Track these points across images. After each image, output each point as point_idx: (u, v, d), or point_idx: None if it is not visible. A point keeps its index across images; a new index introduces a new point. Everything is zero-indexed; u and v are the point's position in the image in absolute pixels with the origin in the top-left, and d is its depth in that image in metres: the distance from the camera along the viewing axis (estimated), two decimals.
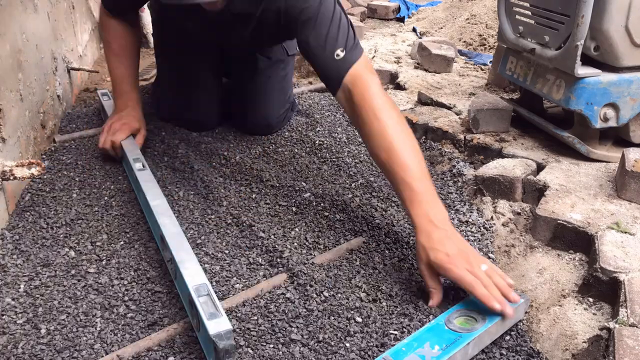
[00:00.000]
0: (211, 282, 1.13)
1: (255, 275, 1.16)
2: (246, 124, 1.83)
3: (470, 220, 1.37)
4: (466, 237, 1.29)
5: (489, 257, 1.23)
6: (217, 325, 0.88)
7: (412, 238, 1.28)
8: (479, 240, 1.29)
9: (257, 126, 1.82)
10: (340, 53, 1.31)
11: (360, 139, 1.83)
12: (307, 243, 1.27)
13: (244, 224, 1.32)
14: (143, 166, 1.42)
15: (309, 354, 0.96)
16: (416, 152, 1.18)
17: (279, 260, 1.19)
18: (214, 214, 1.37)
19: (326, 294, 1.10)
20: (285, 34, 1.58)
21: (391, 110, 1.23)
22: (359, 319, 1.04)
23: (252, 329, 1.01)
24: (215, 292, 1.10)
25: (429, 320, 1.03)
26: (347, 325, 1.02)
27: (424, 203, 1.11)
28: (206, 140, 1.72)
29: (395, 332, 1.01)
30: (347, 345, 0.98)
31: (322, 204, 1.41)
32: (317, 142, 1.76)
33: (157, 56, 1.90)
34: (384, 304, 1.08)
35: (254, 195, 1.46)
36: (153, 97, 1.95)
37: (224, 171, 1.57)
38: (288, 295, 1.09)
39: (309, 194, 1.45)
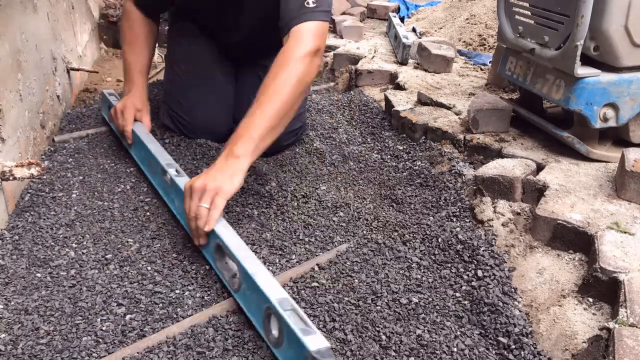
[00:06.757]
0: (211, 283, 1.13)
1: None
2: None
3: (469, 220, 1.37)
4: (466, 238, 1.29)
5: (489, 259, 1.23)
6: (316, 342, 0.83)
7: (411, 239, 1.28)
8: (479, 241, 1.28)
9: None
10: (311, 4, 1.36)
11: (359, 140, 1.83)
12: (306, 244, 1.27)
13: (245, 224, 1.32)
14: (177, 172, 1.32)
15: None
16: (273, 114, 1.25)
17: (278, 261, 1.19)
18: None
19: (324, 297, 1.10)
20: None
21: (291, 77, 1.28)
22: (356, 321, 1.04)
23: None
24: (216, 291, 1.10)
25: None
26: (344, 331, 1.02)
27: (237, 137, 1.22)
28: (203, 140, 1.71)
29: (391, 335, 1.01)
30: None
31: (320, 205, 1.41)
32: (316, 142, 1.76)
33: (167, 61, 1.85)
34: (380, 304, 1.09)
35: (253, 196, 1.46)
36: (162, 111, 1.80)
37: None
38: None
39: (308, 194, 1.45)
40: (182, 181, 1.26)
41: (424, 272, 1.19)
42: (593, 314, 1.03)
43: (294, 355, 0.86)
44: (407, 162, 1.66)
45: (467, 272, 1.18)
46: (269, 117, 1.24)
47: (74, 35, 2.14)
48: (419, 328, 1.03)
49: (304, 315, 0.89)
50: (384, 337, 1.00)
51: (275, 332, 0.91)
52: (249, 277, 0.98)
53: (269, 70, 1.31)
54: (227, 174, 1.16)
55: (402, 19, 3.33)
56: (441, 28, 3.22)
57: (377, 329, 1.02)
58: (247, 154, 1.20)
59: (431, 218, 1.39)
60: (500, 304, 1.08)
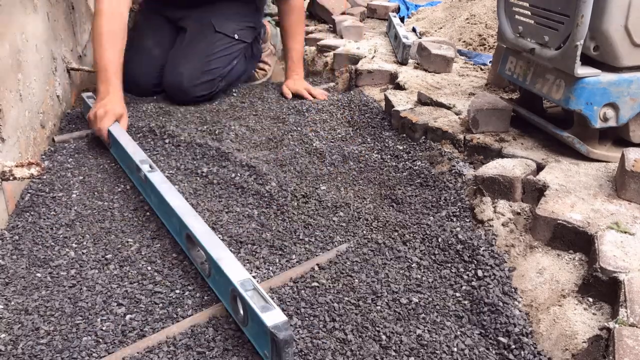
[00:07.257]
0: (209, 284, 1.13)
1: (256, 277, 1.16)
2: (163, 83, 2.07)
3: (469, 220, 1.37)
4: (466, 237, 1.30)
5: (489, 259, 1.23)
6: (273, 317, 0.88)
7: (411, 239, 1.28)
8: (479, 241, 1.28)
9: (171, 86, 2.04)
10: None
11: (359, 140, 1.83)
12: (306, 244, 1.27)
13: (245, 224, 1.32)
14: (151, 167, 1.39)
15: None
16: (302, 43, 2.34)
17: (278, 261, 1.19)
18: (213, 215, 1.37)
19: (324, 297, 1.10)
20: None
21: (303, 18, 2.33)
22: (354, 321, 1.04)
23: None
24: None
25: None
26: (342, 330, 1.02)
27: (298, 63, 2.31)
28: (204, 141, 1.72)
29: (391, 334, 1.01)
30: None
31: (320, 205, 1.41)
32: (316, 142, 1.76)
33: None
34: (381, 304, 1.09)
35: (253, 196, 1.46)
36: None
37: (222, 172, 1.57)
38: (289, 296, 1.09)
39: (308, 194, 1.45)
40: (156, 176, 1.34)
41: (424, 272, 1.19)
42: (593, 313, 1.03)
43: (259, 332, 0.91)
44: (407, 162, 1.66)
45: (467, 272, 1.18)
46: (302, 47, 2.33)
47: (74, 35, 2.13)
48: (419, 328, 1.03)
49: (265, 294, 0.94)
50: (384, 337, 1.00)
51: (241, 312, 0.96)
52: (214, 263, 1.03)
53: (290, 14, 2.22)
54: (304, 82, 2.26)
55: (402, 19, 3.33)
56: (441, 28, 3.22)
57: (377, 328, 1.02)
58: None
59: (431, 218, 1.39)
60: (500, 303, 1.08)
